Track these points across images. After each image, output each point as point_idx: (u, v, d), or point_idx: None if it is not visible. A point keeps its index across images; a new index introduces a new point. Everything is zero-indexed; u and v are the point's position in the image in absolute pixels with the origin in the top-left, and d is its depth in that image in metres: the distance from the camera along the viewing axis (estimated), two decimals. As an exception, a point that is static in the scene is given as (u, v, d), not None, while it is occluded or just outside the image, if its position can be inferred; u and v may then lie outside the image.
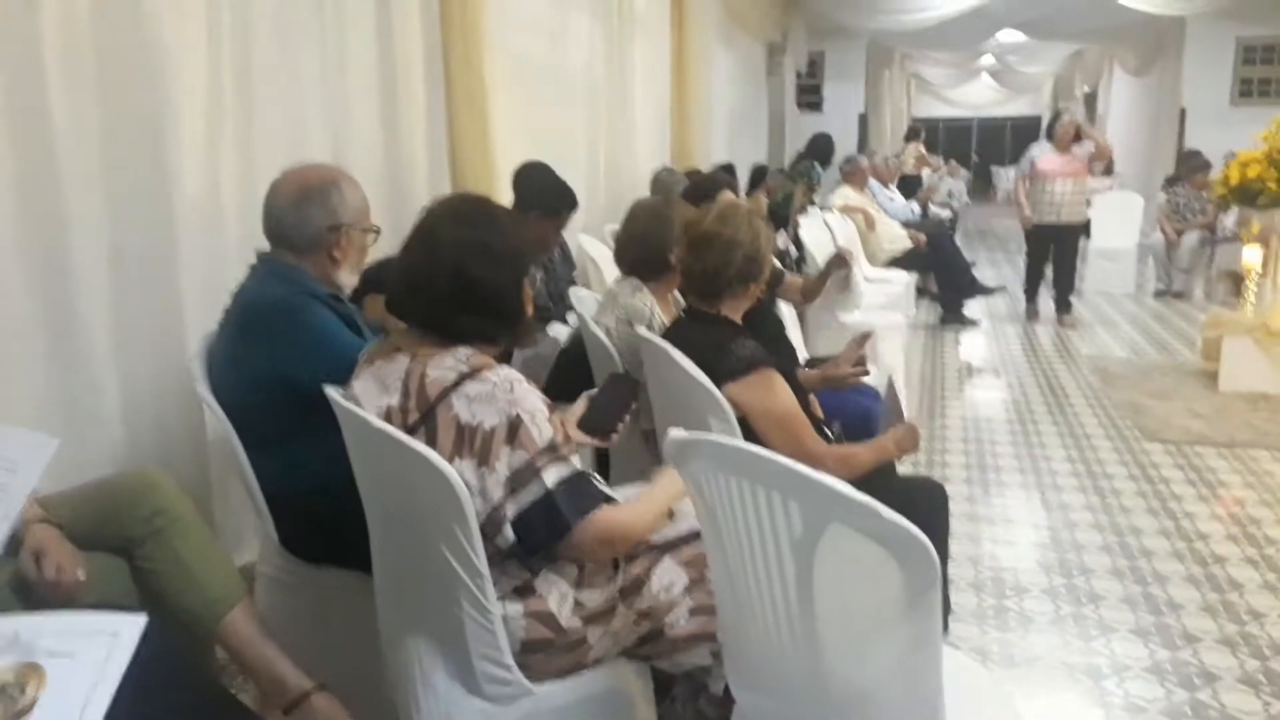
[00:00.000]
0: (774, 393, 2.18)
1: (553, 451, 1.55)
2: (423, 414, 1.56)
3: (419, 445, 1.49)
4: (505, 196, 3.69)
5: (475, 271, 1.59)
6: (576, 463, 1.58)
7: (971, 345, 6.80)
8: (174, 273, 2.44)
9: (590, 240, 4.79)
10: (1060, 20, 11.17)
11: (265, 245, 2.11)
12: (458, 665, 1.60)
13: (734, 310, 2.36)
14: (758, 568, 1.35)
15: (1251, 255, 5.40)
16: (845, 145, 12.15)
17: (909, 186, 9.99)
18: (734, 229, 2.29)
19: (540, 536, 1.54)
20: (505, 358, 1.71)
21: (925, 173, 11.26)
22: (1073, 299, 7.61)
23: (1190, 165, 8.90)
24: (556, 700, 1.61)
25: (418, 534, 1.58)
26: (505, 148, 4.08)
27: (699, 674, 1.76)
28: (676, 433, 1.42)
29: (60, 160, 2.12)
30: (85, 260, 2.21)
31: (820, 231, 5.97)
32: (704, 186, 3.95)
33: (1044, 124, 18.92)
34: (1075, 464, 4.20)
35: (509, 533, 1.54)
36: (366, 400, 1.62)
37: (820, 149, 8.29)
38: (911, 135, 11.91)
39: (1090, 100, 16.44)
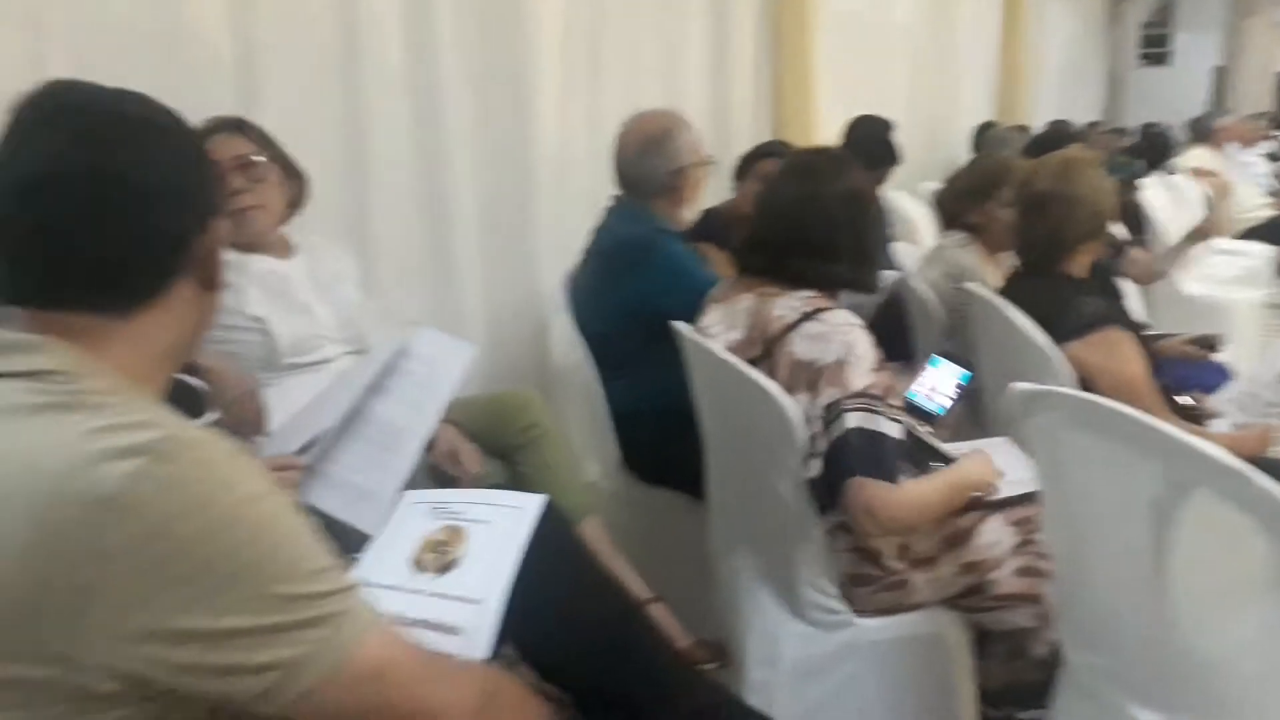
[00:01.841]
0: (1122, 354, 2.07)
1: (864, 398, 1.56)
2: (765, 349, 1.66)
3: (760, 377, 1.58)
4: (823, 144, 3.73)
5: (811, 221, 1.68)
6: (886, 421, 1.57)
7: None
8: (531, 216, 2.73)
9: (903, 196, 4.69)
10: None
11: (607, 190, 2.33)
12: (784, 588, 1.69)
13: (1078, 268, 2.26)
14: (1108, 528, 1.32)
15: None
16: (1194, 102, 10.91)
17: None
18: (1074, 185, 2.19)
19: (830, 477, 1.56)
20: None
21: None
22: None
23: None
24: (876, 635, 1.67)
25: (753, 461, 1.69)
26: (826, 100, 4.10)
27: (1020, 635, 1.74)
28: (1022, 386, 1.41)
29: (446, 118, 2.44)
30: (460, 205, 2.53)
31: (1167, 197, 5.44)
32: (1050, 143, 3.75)
33: None
34: None
35: (815, 466, 1.57)
36: (714, 334, 1.75)
37: (1158, 147, 7.33)
38: None
39: None
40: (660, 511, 2.16)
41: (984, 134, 4.92)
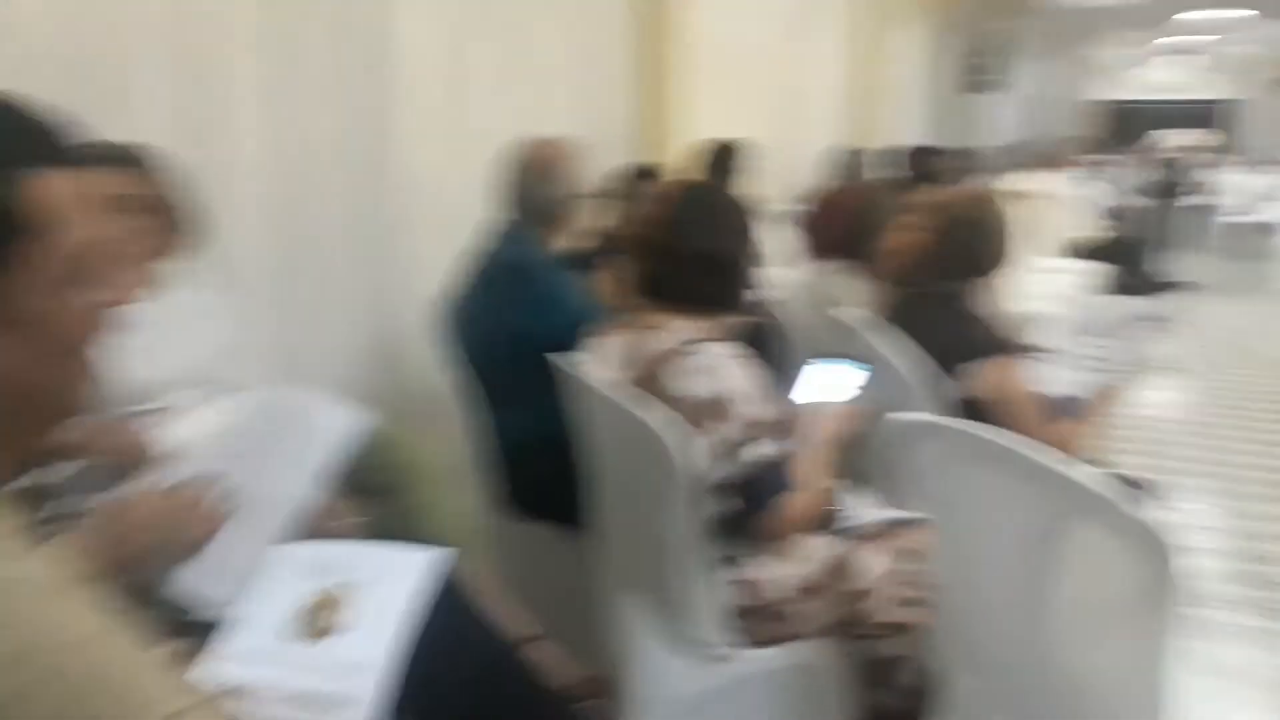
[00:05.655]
0: (1017, 380, 2.15)
1: (760, 427, 1.60)
2: (645, 382, 1.63)
3: (643, 411, 1.56)
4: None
5: (694, 250, 1.69)
6: (775, 447, 1.61)
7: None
8: (392, 243, 2.64)
9: (761, 218, 4.78)
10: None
11: (473, 216, 2.28)
12: (668, 624, 1.67)
13: (979, 297, 2.32)
14: (990, 553, 1.36)
15: None
16: (1015, 128, 11.69)
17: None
18: (990, 216, 2.29)
19: (736, 512, 1.60)
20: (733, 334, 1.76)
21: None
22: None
23: None
24: (759, 667, 1.67)
25: (637, 496, 1.66)
26: (688, 121, 4.16)
27: (895, 663, 1.77)
28: (901, 416, 1.43)
29: (306, 136, 2.33)
30: (319, 229, 2.42)
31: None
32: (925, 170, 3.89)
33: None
34: (1265, 471, 3.95)
35: (715, 502, 1.60)
36: (595, 367, 1.71)
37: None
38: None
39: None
40: (544, 546, 2.11)
41: (851, 158, 5.05)
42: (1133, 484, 2.31)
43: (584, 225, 2.35)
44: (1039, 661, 1.37)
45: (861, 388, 1.87)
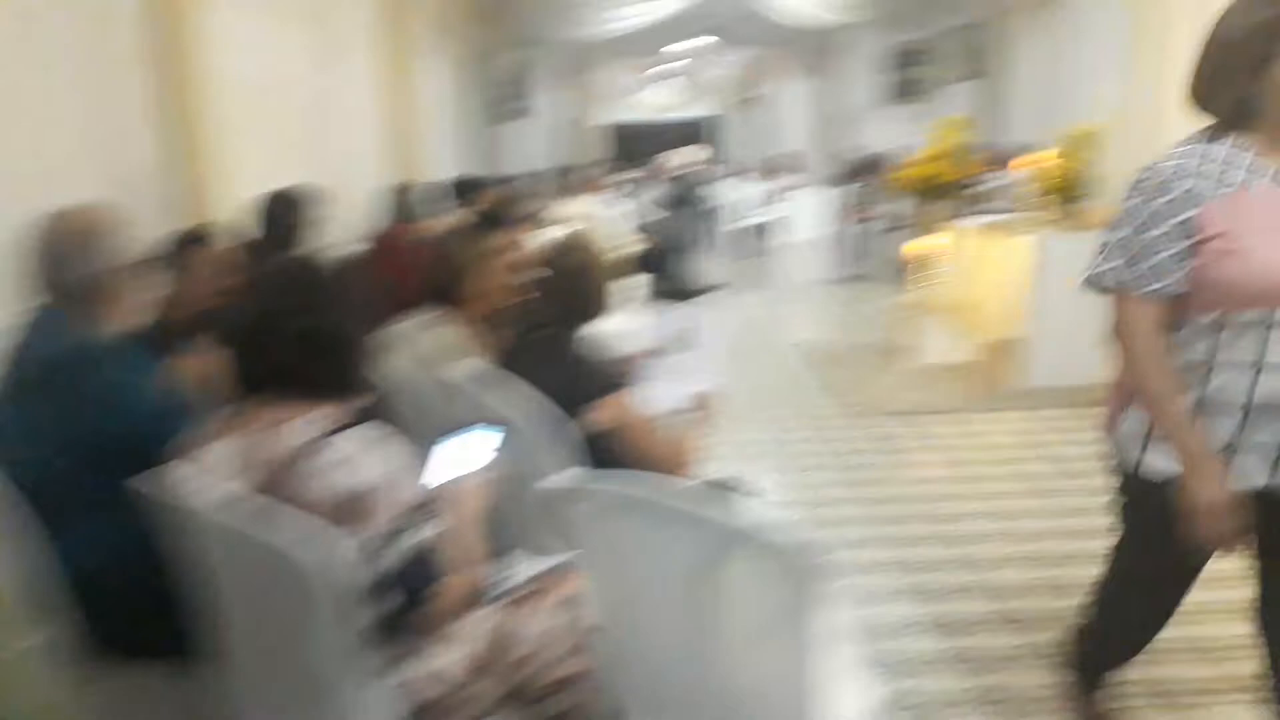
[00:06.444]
0: (634, 410, 2.25)
1: (407, 516, 1.50)
2: (272, 489, 1.44)
3: (267, 532, 1.37)
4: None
5: (310, 321, 1.52)
6: (428, 529, 1.54)
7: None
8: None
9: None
10: (737, 26, 12.06)
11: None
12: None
13: (576, 336, 2.36)
14: (649, 597, 1.39)
15: (930, 241, 6.16)
16: (543, 154, 12.43)
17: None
18: (596, 261, 2.37)
19: (396, 608, 1.50)
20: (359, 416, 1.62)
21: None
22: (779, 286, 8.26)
23: (871, 163, 10.00)
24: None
25: (270, 624, 1.46)
26: (226, 167, 3.81)
27: (575, 713, 1.76)
28: (550, 482, 1.43)
29: None
30: None
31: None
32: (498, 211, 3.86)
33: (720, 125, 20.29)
34: (816, 443, 4.58)
35: (372, 605, 1.47)
36: (204, 479, 1.47)
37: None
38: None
39: (764, 101, 17.84)
40: (146, 693, 1.77)
41: (400, 195, 4.88)
42: (728, 486, 2.54)
43: (136, 303, 2.02)
44: (705, 689, 1.44)
45: (495, 450, 1.84)
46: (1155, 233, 1.56)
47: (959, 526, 3.56)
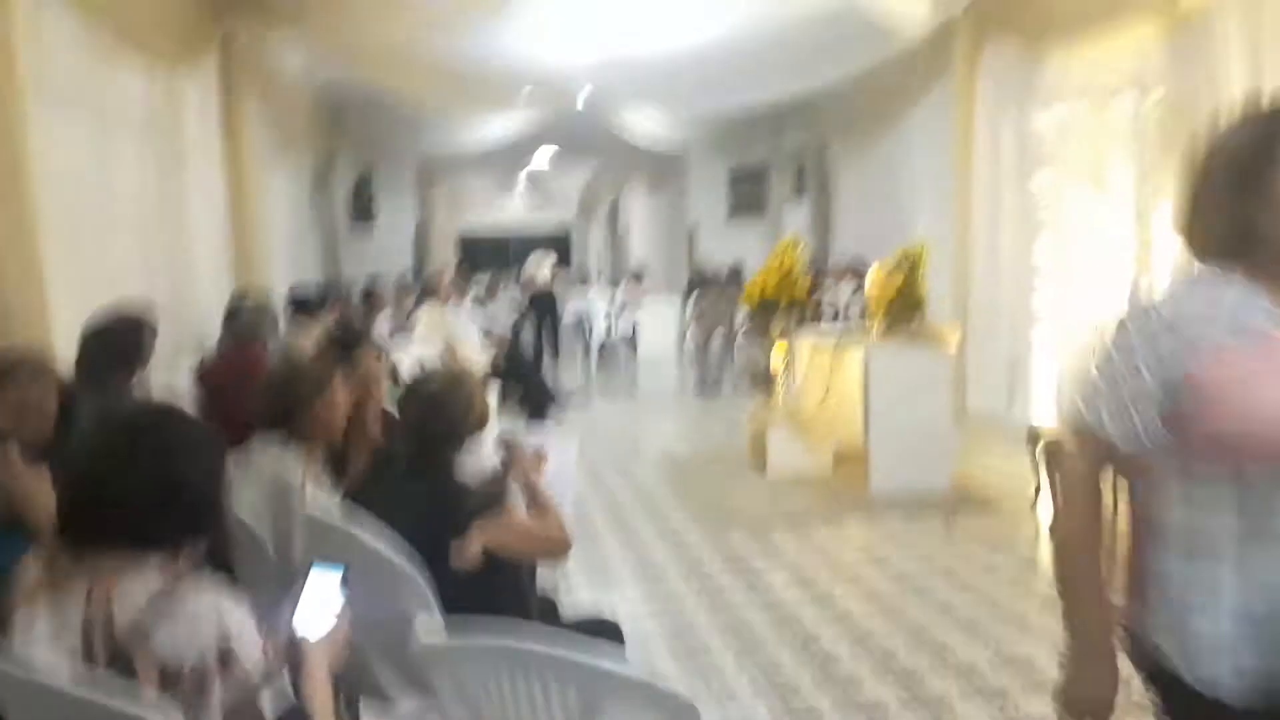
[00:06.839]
0: (510, 518, 2.23)
1: (267, 680, 1.41)
2: (114, 658, 1.34)
3: (123, 702, 1.27)
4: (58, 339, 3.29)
5: (173, 470, 1.44)
6: (287, 687, 1.45)
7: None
8: None
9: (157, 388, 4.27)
10: (585, 141, 12.45)
11: None
12: None
13: (445, 463, 2.32)
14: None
15: (777, 353, 6.39)
16: (397, 261, 12.34)
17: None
18: (469, 384, 2.37)
19: None
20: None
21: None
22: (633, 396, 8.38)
23: (717, 274, 10.38)
24: None
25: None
26: (55, 282, 3.61)
27: None
28: (428, 641, 1.39)
29: None
30: None
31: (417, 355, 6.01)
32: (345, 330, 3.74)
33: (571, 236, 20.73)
34: (673, 563, 4.59)
35: None
36: (33, 648, 1.34)
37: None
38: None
39: (614, 212, 18.40)
40: None
41: (241, 310, 4.57)
42: (595, 629, 2.47)
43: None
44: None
45: (345, 595, 1.74)
46: (1140, 382, 1.32)
47: (818, 647, 3.59)
